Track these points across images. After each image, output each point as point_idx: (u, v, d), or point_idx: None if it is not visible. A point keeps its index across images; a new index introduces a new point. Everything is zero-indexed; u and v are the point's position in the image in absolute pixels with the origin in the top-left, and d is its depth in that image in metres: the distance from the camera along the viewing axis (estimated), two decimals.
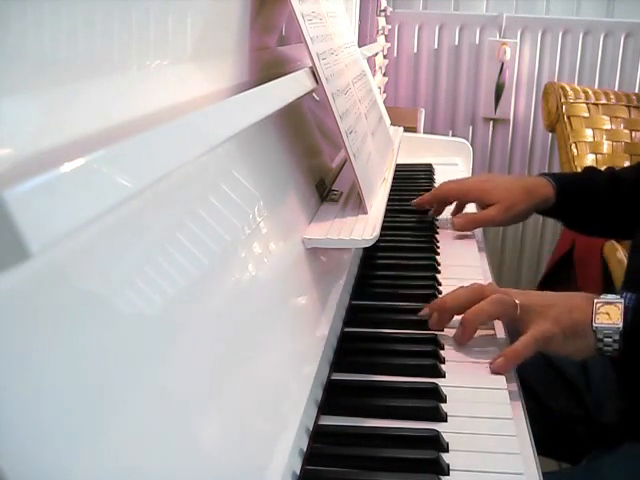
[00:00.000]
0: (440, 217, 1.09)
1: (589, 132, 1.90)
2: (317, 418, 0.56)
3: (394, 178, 0.95)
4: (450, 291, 0.73)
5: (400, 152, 1.14)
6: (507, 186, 0.99)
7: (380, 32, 1.91)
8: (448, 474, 0.50)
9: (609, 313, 0.65)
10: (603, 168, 1.04)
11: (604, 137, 1.91)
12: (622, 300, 0.66)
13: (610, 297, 0.67)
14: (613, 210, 0.98)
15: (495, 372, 0.63)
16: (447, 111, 2.28)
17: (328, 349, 0.62)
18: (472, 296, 0.69)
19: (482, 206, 1.01)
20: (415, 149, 1.47)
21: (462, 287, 0.72)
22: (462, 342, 0.68)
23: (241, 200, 0.54)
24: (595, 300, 0.67)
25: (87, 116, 0.38)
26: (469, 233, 1.02)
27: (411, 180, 1.28)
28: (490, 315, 0.69)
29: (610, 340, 0.65)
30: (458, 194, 1.03)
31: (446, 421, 0.57)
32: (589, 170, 1.05)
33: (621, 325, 0.64)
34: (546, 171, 2.25)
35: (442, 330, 0.71)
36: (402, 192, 1.18)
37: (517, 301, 0.67)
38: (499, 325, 0.73)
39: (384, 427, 0.55)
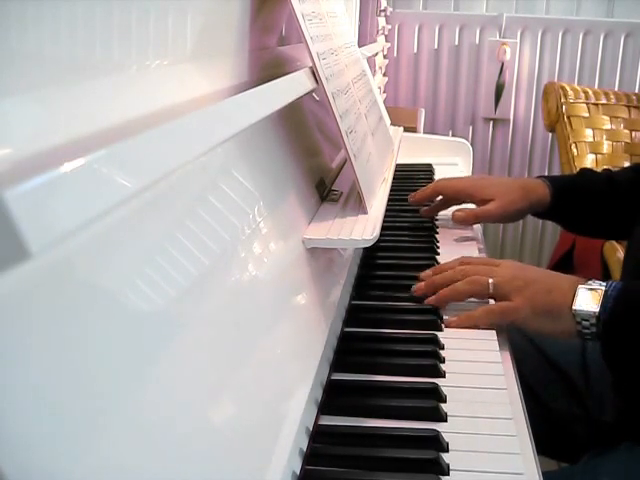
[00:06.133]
0: (440, 216, 1.09)
1: (589, 132, 1.90)
2: (317, 418, 0.56)
3: (394, 178, 0.95)
4: (444, 264, 0.80)
5: (400, 152, 1.14)
6: (502, 184, 1.00)
7: (380, 32, 1.91)
8: (448, 474, 0.50)
9: (589, 298, 0.68)
10: (600, 170, 1.05)
11: (604, 137, 1.91)
12: (603, 287, 0.68)
13: (595, 284, 0.69)
14: (610, 211, 0.99)
15: (447, 325, 0.72)
16: (447, 111, 2.29)
17: (328, 349, 0.62)
18: (458, 278, 0.76)
19: (478, 203, 1.00)
20: (415, 149, 1.47)
21: (455, 264, 0.78)
22: (430, 302, 0.76)
23: (241, 200, 0.54)
24: (579, 285, 0.69)
25: (87, 116, 0.38)
26: (469, 234, 1.02)
27: (411, 180, 1.28)
28: (463, 294, 0.75)
29: (587, 324, 0.68)
30: (454, 190, 1.03)
31: (446, 421, 0.57)
32: (584, 171, 1.05)
33: (597, 310, 0.67)
34: (546, 172, 2.25)
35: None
36: (402, 192, 1.17)
37: (490, 280, 0.73)
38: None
39: (384, 427, 0.55)
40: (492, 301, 0.75)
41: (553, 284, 0.71)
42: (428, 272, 0.80)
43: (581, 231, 1.12)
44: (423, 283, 0.78)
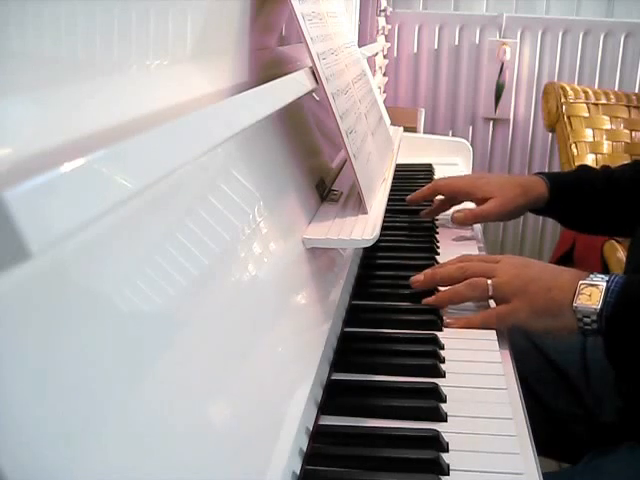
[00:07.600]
0: (440, 216, 1.09)
1: (589, 132, 1.90)
2: (317, 418, 0.56)
3: (394, 178, 0.95)
4: (444, 263, 0.80)
5: (400, 152, 1.14)
6: (500, 182, 1.00)
7: (380, 32, 1.91)
8: (448, 474, 0.50)
9: (590, 294, 0.68)
10: (598, 167, 1.05)
11: (604, 137, 1.91)
12: (604, 283, 0.68)
13: (596, 279, 0.69)
14: (608, 207, 0.99)
15: (445, 326, 0.73)
16: (447, 111, 2.29)
17: (328, 349, 0.62)
18: (458, 275, 0.76)
19: (476, 202, 1.01)
20: (415, 149, 1.47)
21: (455, 262, 0.78)
22: (429, 302, 0.75)
23: (241, 200, 0.54)
24: (580, 281, 0.69)
25: (87, 116, 0.38)
26: (468, 234, 1.02)
27: (411, 180, 1.28)
28: (463, 297, 0.75)
29: (589, 320, 0.67)
30: (452, 189, 1.03)
31: (446, 421, 0.57)
32: (582, 168, 1.06)
33: (599, 307, 0.66)
34: (546, 171, 2.25)
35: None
36: (402, 192, 1.17)
37: (489, 282, 0.72)
38: None
39: (384, 427, 0.55)
40: (492, 301, 0.75)
41: (553, 281, 0.71)
42: (428, 271, 0.80)
43: (579, 228, 1.12)
44: (422, 275, 0.78)
